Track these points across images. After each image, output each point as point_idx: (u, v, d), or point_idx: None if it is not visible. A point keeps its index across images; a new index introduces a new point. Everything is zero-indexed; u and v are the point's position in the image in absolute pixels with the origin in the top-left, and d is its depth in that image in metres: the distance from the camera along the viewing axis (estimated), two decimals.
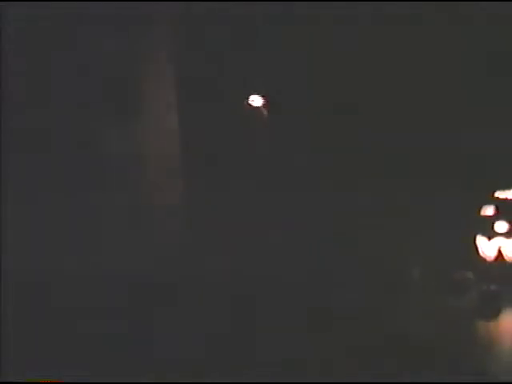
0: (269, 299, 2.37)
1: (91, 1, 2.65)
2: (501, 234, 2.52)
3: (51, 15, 2.62)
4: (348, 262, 2.62)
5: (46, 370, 1.84)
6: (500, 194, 2.58)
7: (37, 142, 2.64)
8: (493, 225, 2.54)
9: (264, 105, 2.94)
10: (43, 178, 2.62)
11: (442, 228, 2.65)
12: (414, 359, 1.91)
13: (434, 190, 2.70)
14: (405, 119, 2.81)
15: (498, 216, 2.54)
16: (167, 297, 2.47)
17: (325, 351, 2.01)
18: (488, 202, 2.58)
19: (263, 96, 2.94)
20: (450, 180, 2.74)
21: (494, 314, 2.25)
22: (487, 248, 2.56)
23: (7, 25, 2.57)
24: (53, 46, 2.67)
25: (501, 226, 2.52)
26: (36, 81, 2.67)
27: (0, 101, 2.61)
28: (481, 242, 2.58)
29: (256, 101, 2.94)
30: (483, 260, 2.56)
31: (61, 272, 2.48)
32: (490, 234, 2.54)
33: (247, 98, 2.94)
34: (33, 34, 2.63)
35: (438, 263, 2.58)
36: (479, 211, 2.60)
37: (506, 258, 2.52)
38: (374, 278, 2.53)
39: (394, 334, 2.09)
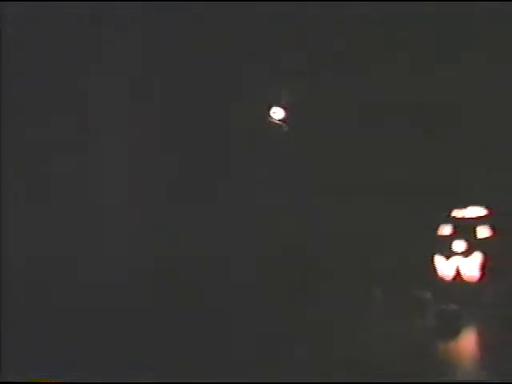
0: None
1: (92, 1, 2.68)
2: (458, 254, 2.52)
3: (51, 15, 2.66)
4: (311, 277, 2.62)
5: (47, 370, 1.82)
6: (457, 214, 2.59)
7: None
8: (450, 244, 2.54)
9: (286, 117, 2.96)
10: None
11: (401, 248, 2.66)
12: (375, 377, 1.87)
13: (392, 210, 2.71)
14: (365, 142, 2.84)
15: (455, 235, 2.55)
16: None
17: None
18: (445, 222, 2.59)
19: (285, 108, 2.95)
20: (408, 200, 2.77)
21: (453, 332, 2.22)
22: (445, 267, 2.56)
23: (7, 25, 2.61)
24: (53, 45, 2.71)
25: (458, 245, 2.53)
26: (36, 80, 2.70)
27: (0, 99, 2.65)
28: (439, 261, 2.58)
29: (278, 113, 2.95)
30: (442, 279, 2.57)
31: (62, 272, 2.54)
32: (448, 254, 2.55)
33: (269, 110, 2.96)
34: (33, 34, 2.66)
35: (397, 283, 2.57)
36: (437, 231, 2.61)
37: (464, 277, 2.52)
38: (332, 294, 2.54)
39: (352, 354, 2.05)
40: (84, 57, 2.77)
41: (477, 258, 2.50)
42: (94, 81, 2.80)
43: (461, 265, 2.52)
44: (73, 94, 2.77)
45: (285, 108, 2.94)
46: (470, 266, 2.50)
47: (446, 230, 2.58)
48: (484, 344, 2.21)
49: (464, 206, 2.59)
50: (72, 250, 2.64)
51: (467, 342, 2.22)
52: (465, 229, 2.54)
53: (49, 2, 2.63)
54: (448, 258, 2.55)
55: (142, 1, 2.74)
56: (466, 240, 2.52)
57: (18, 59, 2.67)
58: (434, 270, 2.58)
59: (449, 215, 2.60)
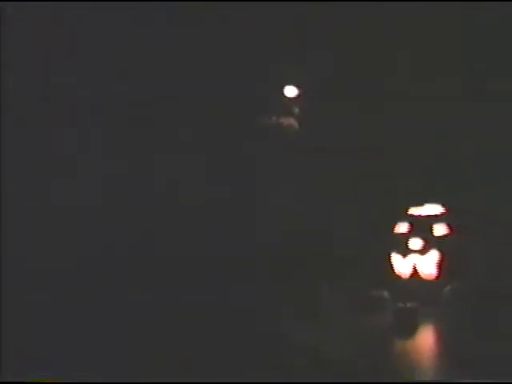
0: None
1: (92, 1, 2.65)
2: (415, 252, 2.50)
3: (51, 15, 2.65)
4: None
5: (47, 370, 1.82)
6: (413, 211, 2.58)
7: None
8: (407, 242, 2.52)
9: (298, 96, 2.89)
10: None
11: (357, 246, 2.63)
12: (332, 378, 1.84)
13: (348, 208, 2.68)
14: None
15: (412, 233, 2.53)
16: None
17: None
18: (402, 220, 2.57)
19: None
20: (364, 197, 2.75)
21: (411, 331, 2.20)
22: (402, 265, 2.53)
23: (7, 25, 2.58)
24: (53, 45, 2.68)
25: (415, 243, 2.50)
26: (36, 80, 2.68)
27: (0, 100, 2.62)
28: (395, 259, 2.56)
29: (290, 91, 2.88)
30: (398, 277, 2.54)
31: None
32: (405, 252, 2.52)
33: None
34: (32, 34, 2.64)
35: (353, 281, 2.54)
36: (393, 229, 2.58)
37: (420, 274, 2.50)
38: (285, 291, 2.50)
39: (309, 353, 2.04)
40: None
41: (433, 255, 2.48)
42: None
43: (417, 263, 2.50)
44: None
45: (299, 87, 2.90)
46: (427, 264, 2.48)
47: (402, 227, 2.56)
48: (441, 342, 2.21)
49: (421, 203, 2.57)
50: None
51: (425, 340, 2.20)
52: (421, 226, 2.52)
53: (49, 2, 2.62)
54: (405, 255, 2.52)
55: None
56: (423, 238, 2.49)
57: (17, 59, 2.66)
58: (391, 268, 2.56)
59: (405, 213, 2.58)
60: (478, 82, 2.62)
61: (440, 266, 2.47)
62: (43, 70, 2.72)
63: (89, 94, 2.76)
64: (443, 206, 2.55)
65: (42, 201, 2.64)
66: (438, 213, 2.54)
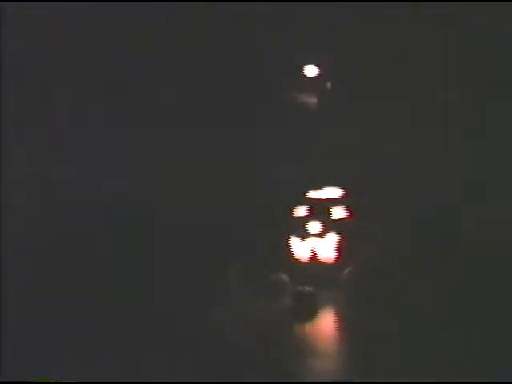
0: None
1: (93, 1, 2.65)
2: (314, 235, 2.49)
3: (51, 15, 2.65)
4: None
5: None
6: (312, 195, 2.57)
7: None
8: (305, 225, 2.51)
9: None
10: None
11: (256, 229, 2.60)
12: (232, 361, 1.81)
13: (246, 191, 2.66)
14: None
15: (310, 217, 2.52)
16: None
17: None
18: (301, 203, 2.56)
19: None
20: (262, 181, 2.72)
21: (310, 315, 2.20)
22: (301, 249, 2.52)
23: (7, 25, 2.60)
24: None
25: (313, 226, 2.50)
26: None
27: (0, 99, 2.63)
28: (294, 242, 2.54)
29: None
30: (297, 261, 2.53)
31: None
32: (303, 235, 2.51)
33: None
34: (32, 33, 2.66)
35: (253, 265, 2.51)
36: (292, 212, 2.57)
37: (319, 258, 2.50)
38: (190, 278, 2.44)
39: (210, 336, 2.00)
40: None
41: (332, 239, 2.48)
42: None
43: (316, 246, 2.50)
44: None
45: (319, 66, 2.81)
46: (326, 248, 2.48)
47: (301, 211, 2.55)
48: (341, 325, 2.22)
49: (320, 186, 2.57)
50: None
51: (324, 323, 2.21)
52: (320, 210, 2.51)
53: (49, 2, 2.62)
54: (303, 239, 2.52)
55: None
56: (321, 221, 2.49)
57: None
58: (290, 251, 2.55)
59: (304, 196, 2.57)
60: None
61: (338, 249, 2.48)
62: (43, 69, 2.73)
63: (89, 94, 2.77)
64: (342, 189, 2.56)
65: None
66: (336, 196, 2.55)
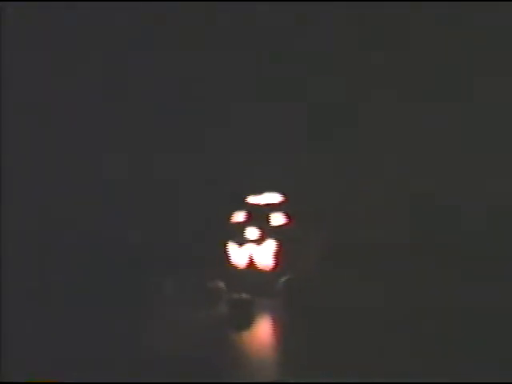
0: None
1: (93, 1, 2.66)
2: (252, 241, 2.44)
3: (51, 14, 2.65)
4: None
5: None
6: (252, 200, 2.51)
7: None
8: (243, 231, 2.45)
9: None
10: None
11: (194, 234, 2.54)
12: (169, 371, 1.74)
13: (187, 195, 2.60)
14: None
15: (248, 222, 2.46)
16: None
17: None
18: (239, 208, 2.50)
19: None
20: (199, 184, 2.69)
21: (246, 322, 2.14)
22: (238, 255, 2.47)
23: (7, 24, 2.61)
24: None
25: (251, 232, 2.44)
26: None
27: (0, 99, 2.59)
28: (232, 249, 2.48)
29: None
30: (235, 267, 2.47)
31: None
32: (241, 241, 2.46)
33: None
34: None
35: (188, 272, 2.45)
36: (230, 217, 2.51)
37: (257, 265, 2.44)
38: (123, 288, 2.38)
39: (145, 348, 1.93)
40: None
41: (270, 245, 2.43)
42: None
43: (254, 252, 2.44)
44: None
45: None
46: (263, 254, 2.43)
47: (239, 216, 2.50)
48: (277, 333, 2.15)
49: (259, 192, 2.52)
50: None
51: (261, 332, 2.14)
52: (259, 215, 2.46)
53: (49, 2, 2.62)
54: (241, 245, 2.46)
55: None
56: (260, 227, 2.44)
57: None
58: (228, 257, 2.49)
59: (243, 201, 2.51)
60: None
61: (276, 255, 2.43)
62: (43, 70, 2.72)
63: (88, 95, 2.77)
64: (282, 194, 2.52)
65: None
66: (275, 201, 2.50)
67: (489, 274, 2.37)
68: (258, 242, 2.43)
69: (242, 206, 2.51)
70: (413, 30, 2.61)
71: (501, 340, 1.88)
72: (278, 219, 2.46)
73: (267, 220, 2.45)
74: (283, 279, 2.38)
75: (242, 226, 2.46)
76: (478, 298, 2.17)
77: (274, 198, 2.51)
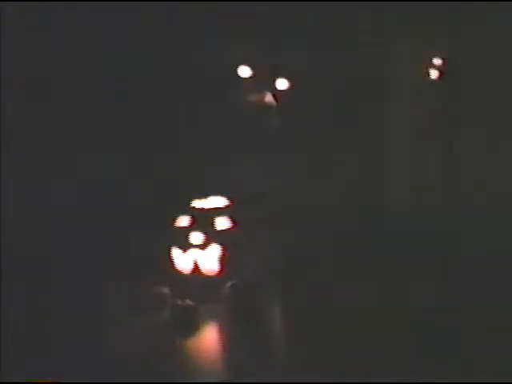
0: None
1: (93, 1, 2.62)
2: (196, 246, 2.40)
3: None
4: None
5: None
6: (197, 204, 2.47)
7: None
8: (188, 236, 2.41)
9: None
10: None
11: (136, 239, 2.50)
12: (115, 376, 1.71)
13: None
14: None
15: (193, 227, 2.42)
16: None
17: None
18: (184, 212, 2.46)
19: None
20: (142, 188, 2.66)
21: (191, 328, 2.11)
22: (183, 260, 2.42)
23: (7, 24, 2.58)
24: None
25: (195, 237, 2.40)
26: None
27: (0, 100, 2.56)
28: (176, 254, 2.44)
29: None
30: (179, 273, 2.43)
31: None
32: (186, 246, 2.41)
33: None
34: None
35: (133, 278, 2.40)
36: (174, 222, 2.46)
37: (202, 270, 2.40)
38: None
39: (91, 353, 1.89)
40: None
41: (215, 250, 2.39)
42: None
43: (198, 258, 2.40)
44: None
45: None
46: (208, 259, 2.39)
47: (183, 220, 2.45)
48: (222, 339, 2.14)
49: (205, 195, 2.47)
50: None
51: (205, 338, 2.12)
52: (203, 220, 2.42)
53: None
54: (185, 250, 2.41)
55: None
56: (204, 232, 2.40)
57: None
58: (172, 263, 2.44)
59: (188, 205, 2.47)
60: None
61: (221, 260, 2.39)
62: (43, 69, 2.69)
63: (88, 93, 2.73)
64: (228, 198, 2.48)
65: None
66: (221, 205, 2.46)
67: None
68: (203, 246, 2.39)
69: (187, 210, 2.47)
70: None
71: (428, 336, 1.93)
72: (222, 223, 2.42)
73: (212, 224, 2.42)
74: (229, 284, 2.36)
75: (186, 231, 2.42)
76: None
77: (219, 201, 2.47)
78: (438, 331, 1.96)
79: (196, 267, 2.40)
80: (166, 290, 2.33)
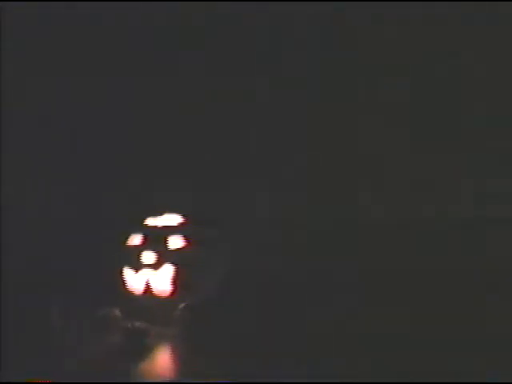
0: None
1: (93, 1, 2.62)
2: (148, 266, 2.32)
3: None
4: None
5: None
6: (150, 222, 2.39)
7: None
8: (140, 255, 2.33)
9: None
10: None
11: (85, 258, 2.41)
12: None
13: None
14: None
15: (145, 246, 2.34)
16: None
17: None
18: (136, 231, 2.38)
19: None
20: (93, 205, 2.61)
21: (142, 353, 2.01)
22: (135, 281, 2.34)
23: (7, 24, 2.59)
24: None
25: (147, 256, 2.32)
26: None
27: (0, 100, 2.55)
28: (128, 274, 2.36)
29: None
30: (131, 294, 2.35)
31: None
32: (137, 266, 2.33)
33: None
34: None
35: (80, 300, 2.30)
36: (125, 241, 2.39)
37: (154, 291, 2.32)
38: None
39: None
40: None
41: (168, 270, 2.31)
42: None
43: (151, 278, 2.32)
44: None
45: None
46: (161, 280, 2.32)
47: (136, 239, 2.37)
48: (174, 363, 2.05)
49: (159, 213, 2.40)
50: None
51: (157, 362, 2.02)
52: (156, 238, 2.34)
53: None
54: (137, 270, 2.33)
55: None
56: (157, 251, 2.32)
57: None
58: (123, 283, 2.36)
59: (142, 223, 2.39)
60: None
61: (175, 281, 2.32)
62: (43, 70, 2.68)
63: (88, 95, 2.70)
64: (182, 216, 2.41)
65: None
66: (174, 224, 2.39)
67: None
68: (155, 266, 2.31)
69: (139, 228, 2.39)
70: None
71: None
72: (175, 242, 2.35)
73: (165, 243, 2.34)
74: (182, 306, 2.28)
75: (138, 250, 2.34)
76: None
77: (172, 219, 2.40)
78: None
79: (148, 288, 2.33)
80: (116, 312, 2.24)
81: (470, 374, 1.73)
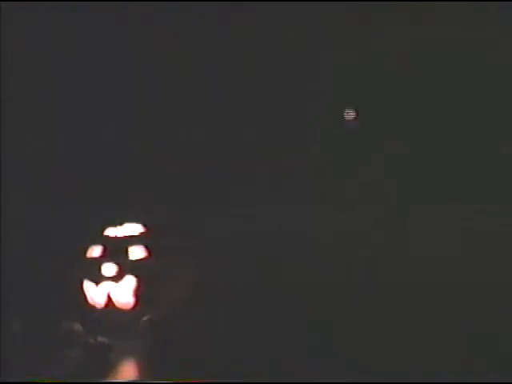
0: None
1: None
2: (109, 278, 2.26)
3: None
4: None
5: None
6: (110, 232, 2.33)
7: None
8: (100, 267, 2.26)
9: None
10: None
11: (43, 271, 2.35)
12: None
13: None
14: None
15: (105, 258, 2.28)
16: None
17: None
18: (96, 242, 2.31)
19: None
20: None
21: (104, 368, 1.95)
22: (95, 294, 2.28)
23: (7, 24, 2.56)
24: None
25: (108, 268, 2.26)
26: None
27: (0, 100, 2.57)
28: (88, 287, 2.29)
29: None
30: (92, 308, 2.28)
31: None
32: (98, 278, 2.27)
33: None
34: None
35: (39, 314, 2.23)
36: (86, 252, 2.32)
37: (116, 304, 2.26)
38: None
39: None
40: None
41: (129, 282, 2.25)
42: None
43: (112, 290, 2.26)
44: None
45: None
46: (123, 292, 2.26)
47: (95, 251, 2.30)
48: (139, 378, 1.97)
49: (120, 223, 2.34)
50: None
51: (121, 377, 1.95)
52: (116, 249, 2.28)
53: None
54: (98, 283, 2.27)
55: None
56: (117, 262, 2.26)
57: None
58: (83, 296, 2.29)
59: (101, 234, 2.33)
60: None
61: (137, 293, 2.26)
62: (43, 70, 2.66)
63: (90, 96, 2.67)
64: (144, 225, 2.35)
65: None
66: (135, 233, 2.33)
67: None
68: (116, 278, 2.25)
69: (98, 238, 2.32)
70: None
71: None
72: (137, 253, 2.29)
73: (126, 254, 2.28)
74: (145, 319, 2.22)
75: (98, 262, 2.27)
76: None
77: (133, 229, 2.34)
78: None
79: (109, 301, 2.27)
80: (77, 327, 2.17)
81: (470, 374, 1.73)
